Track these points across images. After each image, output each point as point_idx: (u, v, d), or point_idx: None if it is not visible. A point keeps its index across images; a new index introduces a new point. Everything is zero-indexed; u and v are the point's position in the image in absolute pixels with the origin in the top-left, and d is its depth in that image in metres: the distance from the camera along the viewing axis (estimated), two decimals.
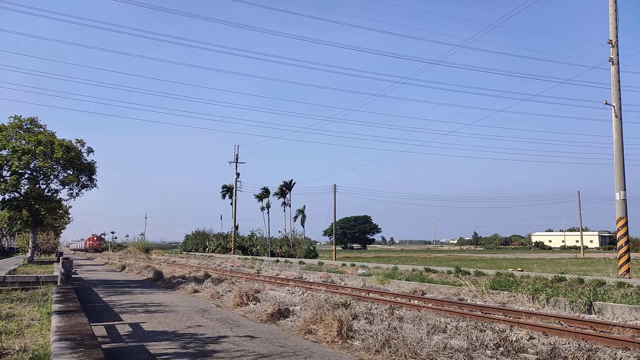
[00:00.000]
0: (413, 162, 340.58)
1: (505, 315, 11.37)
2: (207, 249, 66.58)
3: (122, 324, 10.04)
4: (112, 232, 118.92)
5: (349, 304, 11.34)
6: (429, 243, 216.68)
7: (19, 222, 36.12)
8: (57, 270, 18.50)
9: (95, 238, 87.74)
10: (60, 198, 34.88)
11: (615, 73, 19.90)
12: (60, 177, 33.12)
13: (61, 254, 31.33)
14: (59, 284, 15.19)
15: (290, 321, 10.11)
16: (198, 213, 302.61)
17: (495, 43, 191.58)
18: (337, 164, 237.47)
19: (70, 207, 40.58)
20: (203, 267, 30.87)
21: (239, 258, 42.03)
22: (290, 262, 33.58)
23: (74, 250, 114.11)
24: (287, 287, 17.16)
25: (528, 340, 8.22)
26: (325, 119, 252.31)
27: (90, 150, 34.30)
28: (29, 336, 7.95)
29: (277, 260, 36.00)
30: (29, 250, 36.29)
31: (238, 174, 58.83)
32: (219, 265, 33.85)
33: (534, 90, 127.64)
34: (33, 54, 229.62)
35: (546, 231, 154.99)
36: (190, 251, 68.90)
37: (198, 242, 73.30)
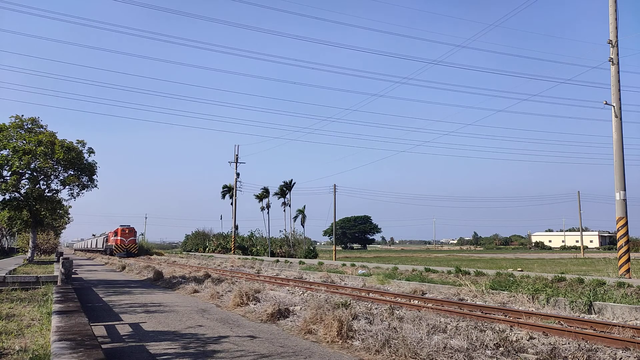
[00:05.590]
0: (413, 162, 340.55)
1: (505, 315, 11.37)
2: (207, 249, 66.61)
3: (122, 324, 10.04)
4: None
5: (349, 304, 11.34)
6: (429, 243, 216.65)
7: (19, 222, 36.13)
8: (57, 270, 18.50)
9: (127, 230, 53.20)
10: (60, 198, 34.95)
11: (615, 73, 19.90)
12: (61, 178, 33.16)
13: (61, 254, 31.35)
14: (59, 284, 15.19)
15: (291, 321, 10.11)
16: (198, 213, 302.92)
17: (495, 43, 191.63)
18: (337, 164, 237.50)
19: (70, 207, 40.57)
20: (203, 267, 30.86)
21: (239, 258, 42.04)
22: (290, 262, 33.58)
23: (80, 251, 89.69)
24: (287, 287, 17.16)
25: (528, 340, 8.22)
26: (325, 119, 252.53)
27: (91, 151, 34.36)
28: (29, 336, 7.95)
29: (277, 260, 36.00)
30: (29, 250, 36.30)
31: (238, 174, 58.87)
32: (219, 265, 33.84)
33: (534, 90, 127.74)
34: (33, 54, 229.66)
35: (546, 231, 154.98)
36: (190, 251, 68.93)
37: (198, 242, 73.32)
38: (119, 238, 52.39)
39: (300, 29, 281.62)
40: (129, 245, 52.63)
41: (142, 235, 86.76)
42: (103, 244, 60.49)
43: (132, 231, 54.06)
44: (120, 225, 53.68)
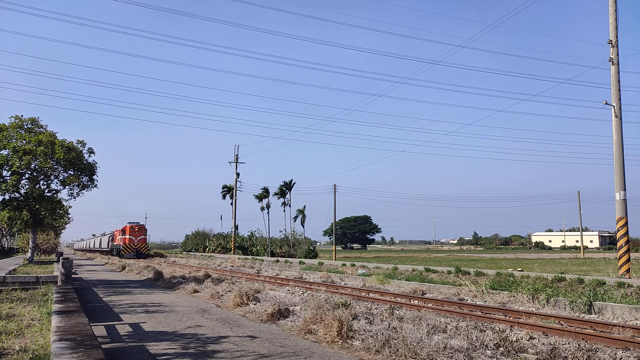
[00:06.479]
0: (413, 162, 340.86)
1: (505, 315, 11.37)
2: (207, 249, 66.58)
3: (122, 324, 10.04)
4: None
5: (349, 304, 11.34)
6: (429, 243, 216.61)
7: (19, 223, 36.13)
8: (57, 270, 18.49)
9: (136, 228, 47.17)
10: (60, 198, 34.92)
11: (615, 73, 19.89)
12: (61, 178, 33.14)
13: (61, 254, 31.34)
14: (59, 284, 15.19)
15: (291, 321, 10.11)
16: (198, 213, 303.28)
17: (495, 43, 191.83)
18: (337, 164, 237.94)
19: (70, 207, 40.55)
20: (203, 267, 30.86)
21: (239, 258, 42.03)
22: (290, 262, 33.57)
23: (80, 251, 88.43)
24: (287, 287, 17.16)
25: (528, 340, 8.22)
26: (325, 119, 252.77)
27: (91, 151, 34.31)
28: (29, 336, 7.95)
29: (277, 261, 35.99)
30: (29, 250, 36.29)
31: (238, 174, 58.86)
32: (219, 265, 33.84)
33: (534, 90, 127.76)
34: (33, 54, 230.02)
35: (546, 231, 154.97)
36: (190, 251, 68.90)
37: (198, 242, 73.34)
38: (127, 237, 46.29)
39: (300, 29, 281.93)
40: (139, 244, 46.47)
41: None
42: (108, 244, 55.25)
43: (142, 229, 47.88)
44: (129, 223, 47.78)
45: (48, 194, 33.47)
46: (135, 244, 46.23)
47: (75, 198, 34.36)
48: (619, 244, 19.19)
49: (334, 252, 53.61)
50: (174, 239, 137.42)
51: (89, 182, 34.38)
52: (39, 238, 48.66)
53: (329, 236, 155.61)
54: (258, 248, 62.19)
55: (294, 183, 63.93)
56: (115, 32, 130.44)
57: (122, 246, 46.07)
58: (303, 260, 37.07)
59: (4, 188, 30.17)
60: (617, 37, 20.08)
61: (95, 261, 45.69)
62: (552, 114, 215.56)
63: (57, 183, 33.46)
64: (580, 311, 12.12)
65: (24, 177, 31.83)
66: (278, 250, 60.48)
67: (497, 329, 9.03)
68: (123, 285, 19.31)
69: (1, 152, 30.14)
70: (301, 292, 15.50)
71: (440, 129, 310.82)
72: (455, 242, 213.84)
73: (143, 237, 47.41)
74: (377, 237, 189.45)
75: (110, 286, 18.84)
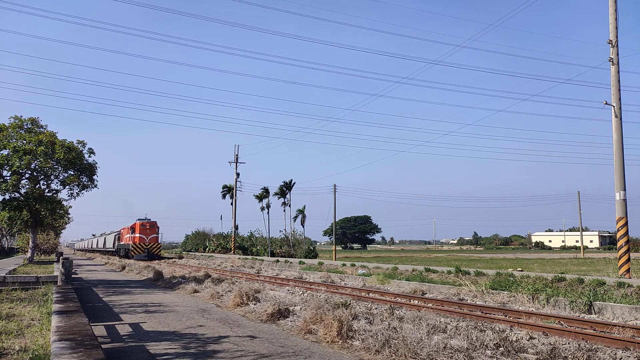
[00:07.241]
0: (413, 162, 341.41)
1: (505, 315, 11.37)
2: (207, 249, 66.56)
3: (122, 324, 10.04)
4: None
5: (349, 304, 11.34)
6: (429, 243, 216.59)
7: (19, 223, 36.14)
8: (57, 270, 18.49)
9: (147, 226, 42.47)
10: (60, 198, 34.93)
11: (615, 73, 19.89)
12: (61, 178, 33.15)
13: (61, 254, 31.33)
14: (59, 284, 15.17)
15: (291, 321, 10.11)
16: (198, 213, 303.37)
17: (495, 43, 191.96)
18: (337, 164, 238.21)
19: (70, 207, 40.53)
20: (203, 267, 30.86)
21: (239, 258, 42.00)
22: (290, 262, 33.56)
23: (81, 251, 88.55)
24: (287, 287, 17.15)
25: (528, 340, 8.22)
26: (325, 119, 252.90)
27: (91, 152, 34.34)
28: (29, 336, 7.95)
29: (277, 261, 35.98)
30: (29, 250, 36.31)
31: (238, 174, 58.82)
32: (219, 265, 33.83)
33: (534, 90, 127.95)
34: (33, 54, 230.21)
35: (546, 231, 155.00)
36: (190, 251, 68.88)
37: (198, 242, 73.29)
38: (137, 235, 41.52)
39: (300, 29, 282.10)
40: (150, 244, 41.67)
41: None
42: (114, 243, 50.98)
43: (154, 227, 42.84)
44: (139, 219, 43.03)
45: (48, 194, 33.49)
46: (146, 243, 41.62)
47: (75, 198, 34.44)
48: (619, 244, 19.19)
49: (334, 252, 53.63)
50: (174, 239, 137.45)
51: (89, 182, 34.41)
52: (39, 238, 48.65)
53: (329, 236, 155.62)
54: (258, 248, 62.17)
55: (294, 183, 63.97)
56: (115, 32, 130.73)
57: (132, 246, 41.64)
58: (303, 260, 37.05)
59: (4, 188, 30.18)
60: (617, 37, 20.07)
61: (95, 261, 45.66)
62: (552, 114, 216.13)
63: (57, 183, 33.53)
64: (580, 311, 12.12)
65: (24, 177, 31.84)
66: (278, 250, 60.47)
67: (497, 329, 9.03)
68: (123, 285, 19.30)
69: (1, 152, 30.16)
70: (301, 292, 15.50)
71: (440, 129, 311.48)
72: (455, 242, 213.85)
73: (155, 235, 42.81)
74: (377, 237, 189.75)
75: (110, 286, 18.84)
